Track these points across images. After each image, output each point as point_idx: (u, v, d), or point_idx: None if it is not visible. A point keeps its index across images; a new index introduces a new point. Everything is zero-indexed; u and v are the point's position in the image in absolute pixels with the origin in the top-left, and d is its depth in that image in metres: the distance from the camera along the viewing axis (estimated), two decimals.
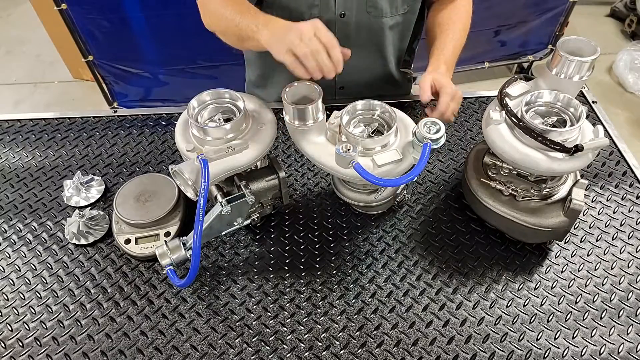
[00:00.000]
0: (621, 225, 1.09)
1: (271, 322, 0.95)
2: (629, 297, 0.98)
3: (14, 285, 1.01)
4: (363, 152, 0.90)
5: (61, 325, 0.95)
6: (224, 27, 1.06)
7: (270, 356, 0.90)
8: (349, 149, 0.87)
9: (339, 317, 0.95)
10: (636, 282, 1.00)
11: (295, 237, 1.08)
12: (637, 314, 0.95)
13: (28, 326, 0.95)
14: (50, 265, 1.04)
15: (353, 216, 1.12)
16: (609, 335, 0.92)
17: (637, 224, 1.09)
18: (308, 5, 1.13)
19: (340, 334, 0.93)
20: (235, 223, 0.99)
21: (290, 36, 0.90)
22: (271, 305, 0.97)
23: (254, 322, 0.95)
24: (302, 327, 0.94)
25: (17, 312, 0.97)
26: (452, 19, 1.19)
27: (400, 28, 1.25)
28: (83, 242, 1.06)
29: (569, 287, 0.99)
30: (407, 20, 1.25)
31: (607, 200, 1.14)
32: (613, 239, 1.07)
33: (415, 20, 1.27)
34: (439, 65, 1.11)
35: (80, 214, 1.06)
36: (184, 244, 0.94)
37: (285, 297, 0.98)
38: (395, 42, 1.28)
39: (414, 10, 1.24)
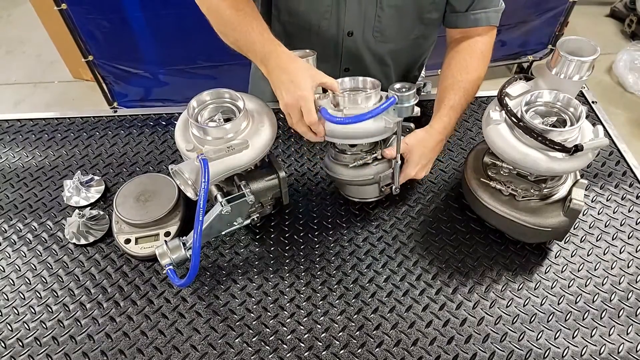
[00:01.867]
0: (621, 225, 1.09)
1: (271, 322, 0.95)
2: (628, 297, 0.98)
3: (14, 285, 1.01)
4: (351, 106, 0.92)
5: (61, 325, 0.95)
6: (222, 29, 1.01)
7: (270, 356, 0.90)
8: (321, 98, 0.93)
9: (338, 317, 0.95)
10: (636, 282, 1.00)
11: (295, 237, 1.08)
12: (637, 314, 0.95)
13: (28, 326, 0.95)
14: (50, 265, 1.04)
15: (353, 216, 1.12)
16: (609, 335, 0.92)
17: (636, 224, 1.09)
18: (318, 17, 1.11)
19: (340, 333, 0.93)
20: (235, 223, 0.99)
21: (279, 93, 0.91)
22: (271, 305, 0.97)
23: (253, 322, 0.95)
24: (302, 327, 0.94)
25: (17, 312, 0.97)
26: (467, 69, 1.12)
27: (408, 52, 1.22)
28: (83, 242, 1.06)
29: (568, 287, 0.99)
30: (417, 44, 1.21)
31: (607, 200, 1.14)
32: (613, 239, 1.07)
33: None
34: (433, 134, 1.07)
35: (80, 214, 1.06)
36: (184, 244, 0.94)
37: (285, 296, 0.98)
38: (402, 64, 1.26)
39: (426, 36, 1.19)
